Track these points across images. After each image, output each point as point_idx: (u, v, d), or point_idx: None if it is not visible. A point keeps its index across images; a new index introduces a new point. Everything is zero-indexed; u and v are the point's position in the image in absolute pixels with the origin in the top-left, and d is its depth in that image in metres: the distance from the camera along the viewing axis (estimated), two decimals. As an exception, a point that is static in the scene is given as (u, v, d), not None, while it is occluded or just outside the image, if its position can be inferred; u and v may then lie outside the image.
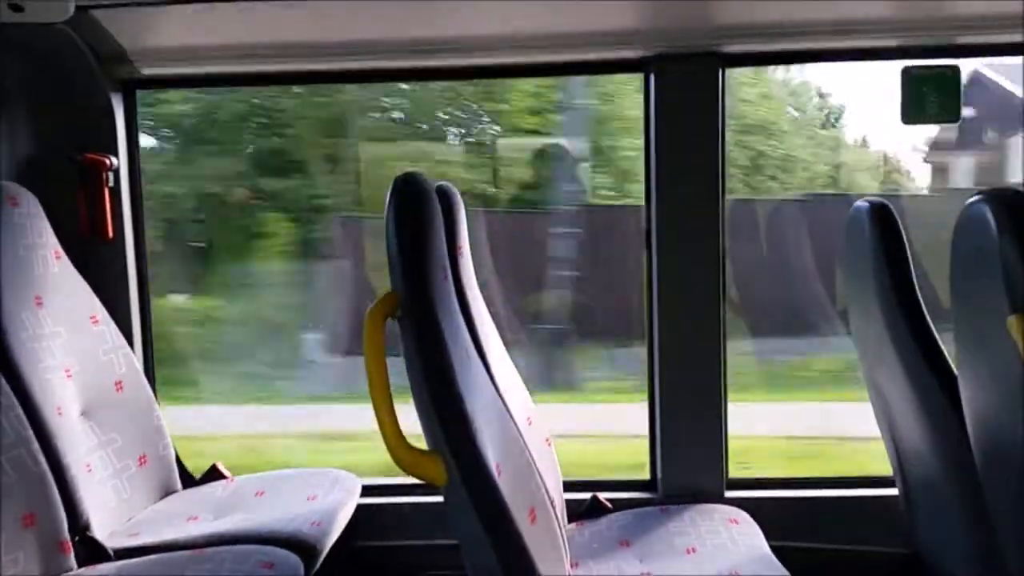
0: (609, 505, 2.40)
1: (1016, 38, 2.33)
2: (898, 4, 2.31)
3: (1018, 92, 5.36)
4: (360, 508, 2.29)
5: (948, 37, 2.38)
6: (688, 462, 2.50)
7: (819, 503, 2.52)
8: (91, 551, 1.95)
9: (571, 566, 2.01)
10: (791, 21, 2.33)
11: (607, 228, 5.16)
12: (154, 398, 2.39)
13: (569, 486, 2.31)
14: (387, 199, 1.47)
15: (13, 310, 2.03)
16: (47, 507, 1.82)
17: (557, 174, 5.29)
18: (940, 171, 6.18)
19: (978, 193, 1.39)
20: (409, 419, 1.45)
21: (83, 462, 2.07)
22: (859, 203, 1.97)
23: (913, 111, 2.40)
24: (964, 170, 6.23)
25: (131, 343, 2.46)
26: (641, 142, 2.53)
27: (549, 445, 2.27)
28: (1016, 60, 3.68)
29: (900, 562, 2.35)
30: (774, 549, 2.05)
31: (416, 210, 1.46)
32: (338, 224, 5.47)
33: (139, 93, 2.59)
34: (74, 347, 2.18)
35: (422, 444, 1.47)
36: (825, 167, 6.28)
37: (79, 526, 1.95)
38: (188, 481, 2.45)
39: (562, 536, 1.94)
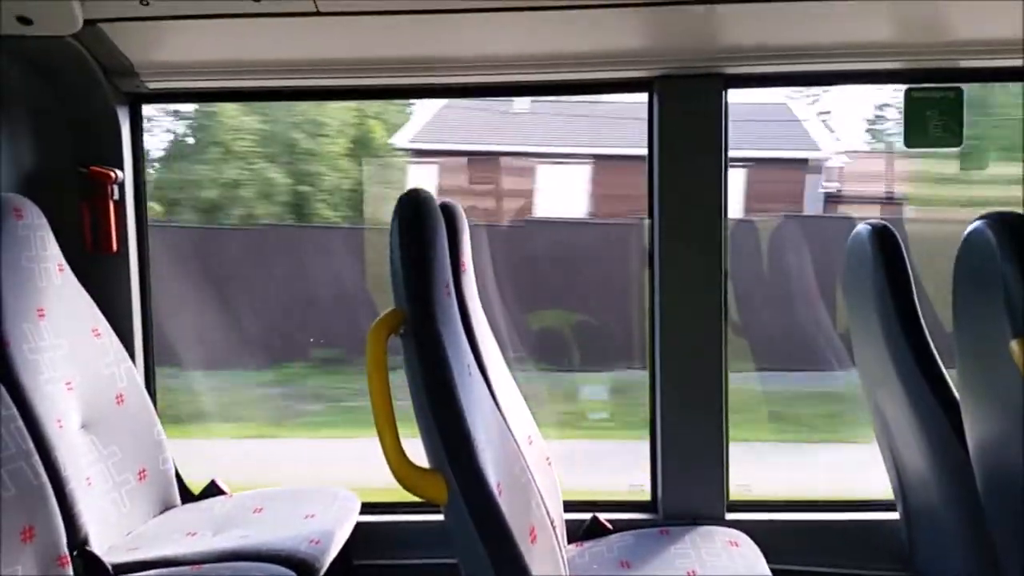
0: (609, 526, 2.39)
1: (1017, 63, 2.34)
2: (901, 28, 2.32)
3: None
4: (359, 526, 2.28)
5: (950, 61, 2.40)
6: (689, 484, 2.49)
7: (820, 526, 2.51)
8: (89, 566, 1.94)
9: None
10: (794, 44, 2.34)
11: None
12: (155, 412, 2.39)
13: (569, 506, 2.30)
14: (392, 215, 1.48)
15: (15, 321, 2.03)
16: (46, 521, 1.81)
17: None
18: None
19: (981, 217, 1.39)
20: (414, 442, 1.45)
21: (83, 475, 2.06)
22: (861, 226, 1.96)
23: (915, 135, 2.41)
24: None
25: (133, 356, 2.47)
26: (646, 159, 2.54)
27: (549, 464, 2.26)
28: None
29: None
30: (775, 572, 2.04)
31: (420, 227, 1.46)
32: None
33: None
34: (76, 359, 2.18)
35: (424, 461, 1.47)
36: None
37: (78, 540, 1.94)
38: (187, 496, 2.45)
39: (562, 557, 1.93)
